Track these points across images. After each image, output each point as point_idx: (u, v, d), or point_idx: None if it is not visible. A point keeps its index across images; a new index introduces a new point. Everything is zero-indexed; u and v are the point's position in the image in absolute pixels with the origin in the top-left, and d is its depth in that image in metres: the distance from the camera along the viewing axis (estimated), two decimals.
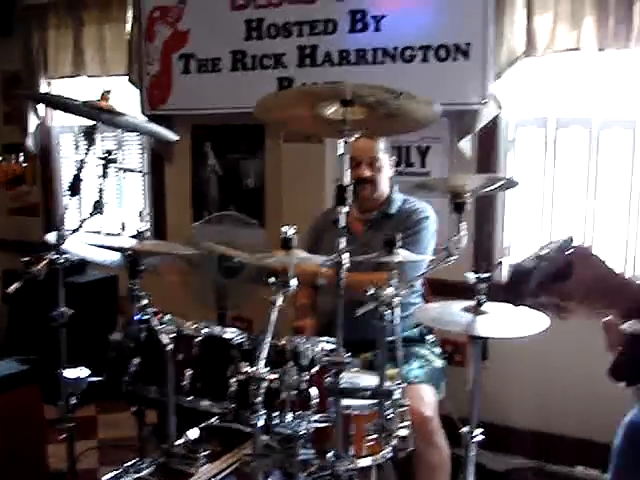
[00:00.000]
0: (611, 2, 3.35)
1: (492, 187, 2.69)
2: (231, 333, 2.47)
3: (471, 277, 2.68)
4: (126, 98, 4.50)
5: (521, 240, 3.79)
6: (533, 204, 3.72)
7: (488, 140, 3.74)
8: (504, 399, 3.76)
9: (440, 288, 3.29)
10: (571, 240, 1.32)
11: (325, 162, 3.96)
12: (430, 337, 3.23)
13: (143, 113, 4.53)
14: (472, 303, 2.68)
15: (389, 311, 2.21)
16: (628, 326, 1.27)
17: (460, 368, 3.85)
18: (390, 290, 2.22)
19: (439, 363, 3.14)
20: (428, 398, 2.86)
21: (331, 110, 2.08)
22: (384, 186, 3.15)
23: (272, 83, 4.11)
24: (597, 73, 3.47)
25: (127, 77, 4.65)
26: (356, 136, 2.06)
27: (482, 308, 2.74)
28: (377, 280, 2.25)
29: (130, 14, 4.55)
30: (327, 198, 3.78)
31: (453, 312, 2.76)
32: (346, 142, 2.04)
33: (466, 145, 3.71)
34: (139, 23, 4.52)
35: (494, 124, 3.70)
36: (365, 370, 2.61)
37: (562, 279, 1.27)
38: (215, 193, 4.68)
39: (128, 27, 4.58)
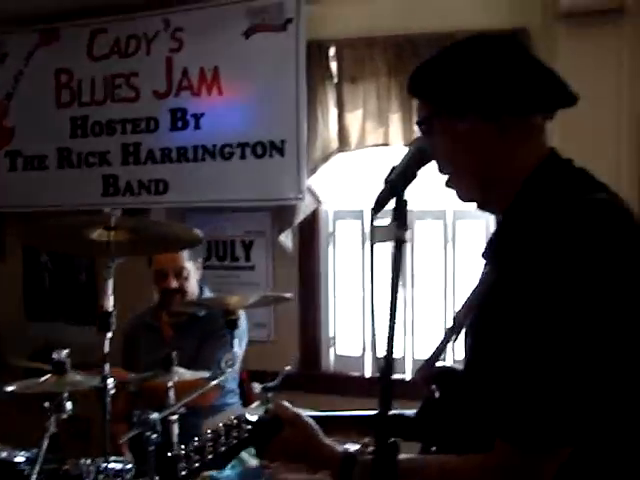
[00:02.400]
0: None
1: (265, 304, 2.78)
2: (21, 456, 2.38)
3: (257, 387, 2.68)
4: None
5: (347, 330, 3.85)
6: (356, 294, 3.80)
7: (309, 233, 3.83)
8: None
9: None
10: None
11: None
12: None
13: None
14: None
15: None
16: None
17: None
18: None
19: (253, 462, 3.11)
20: None
21: (95, 234, 2.10)
22: (192, 291, 3.17)
23: (97, 181, 4.08)
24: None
25: None
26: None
27: None
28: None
29: None
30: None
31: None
32: (109, 266, 2.05)
33: (287, 238, 3.77)
34: None
35: (314, 217, 3.79)
36: None
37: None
38: (48, 289, 4.55)
39: None
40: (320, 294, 3.85)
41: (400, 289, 1.23)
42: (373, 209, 1.30)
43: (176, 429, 2.36)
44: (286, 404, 1.45)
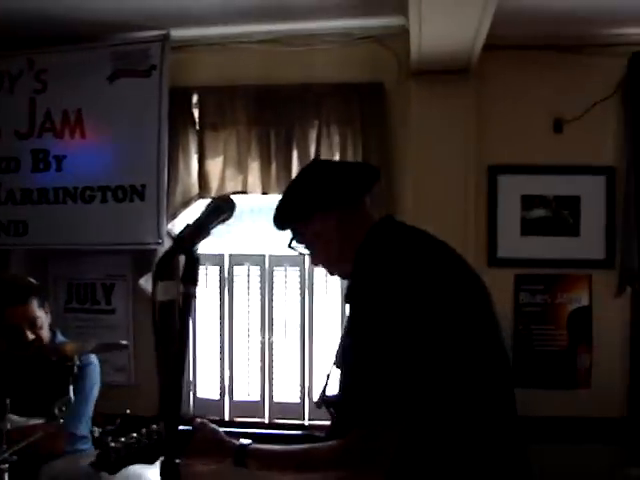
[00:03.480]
0: (272, 150, 3.61)
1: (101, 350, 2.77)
2: None
3: (96, 431, 2.65)
4: None
5: (206, 374, 3.84)
6: (214, 338, 3.80)
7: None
8: None
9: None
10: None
11: None
12: None
13: None
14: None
15: None
16: None
17: None
18: None
19: None
20: None
21: None
22: (46, 337, 3.11)
23: None
24: (264, 214, 3.67)
25: None
26: None
27: None
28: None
29: None
30: None
31: (78, 467, 2.70)
32: None
33: (147, 282, 3.74)
34: None
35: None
36: None
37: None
38: None
39: None
40: None
41: (189, 341, 1.35)
42: (157, 265, 1.48)
43: (6, 478, 2.29)
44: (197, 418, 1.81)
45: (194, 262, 1.40)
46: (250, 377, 3.78)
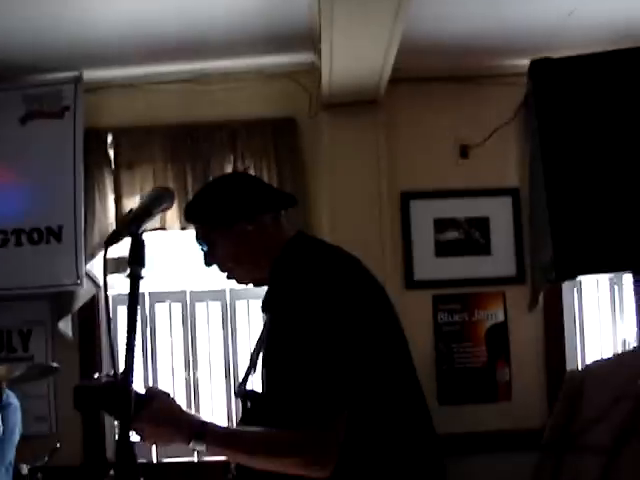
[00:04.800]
0: (189, 185, 3.66)
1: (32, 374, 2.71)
2: None
3: (24, 469, 2.58)
4: None
5: None
6: (139, 378, 3.75)
7: (89, 319, 3.75)
8: None
9: None
10: None
11: None
12: None
13: None
14: None
15: None
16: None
17: None
18: None
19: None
20: None
21: None
22: None
23: None
24: (183, 250, 3.69)
25: None
26: None
27: None
28: None
29: None
30: None
31: None
32: None
33: (66, 326, 3.67)
34: None
35: (93, 302, 3.73)
36: None
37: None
38: None
39: None
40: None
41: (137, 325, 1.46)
42: (105, 242, 1.49)
43: None
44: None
45: (140, 244, 1.44)
46: None
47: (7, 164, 3.72)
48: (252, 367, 1.94)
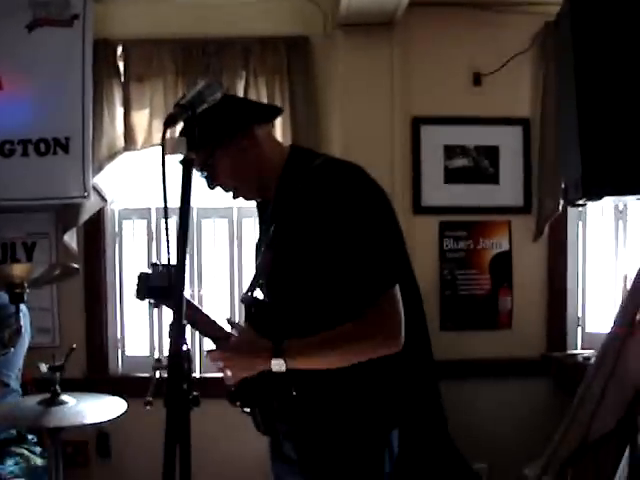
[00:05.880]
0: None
1: (53, 275, 2.70)
2: None
3: (43, 367, 2.59)
4: None
5: (135, 331, 3.79)
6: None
7: (94, 233, 3.74)
8: None
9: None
10: None
11: None
12: (31, 437, 3.06)
13: None
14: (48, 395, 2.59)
15: None
16: None
17: (82, 468, 3.70)
18: None
19: (39, 461, 3.00)
20: None
21: None
22: None
23: None
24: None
25: None
26: None
27: (59, 398, 2.65)
28: None
29: None
30: None
31: (25, 407, 2.64)
32: None
33: (71, 238, 3.66)
34: None
35: (99, 216, 3.71)
36: None
37: None
38: None
39: None
40: (107, 295, 3.76)
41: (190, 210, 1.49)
42: (165, 123, 1.48)
43: None
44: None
45: (193, 126, 1.44)
46: None
47: (13, 72, 3.63)
48: (258, 276, 2.01)
